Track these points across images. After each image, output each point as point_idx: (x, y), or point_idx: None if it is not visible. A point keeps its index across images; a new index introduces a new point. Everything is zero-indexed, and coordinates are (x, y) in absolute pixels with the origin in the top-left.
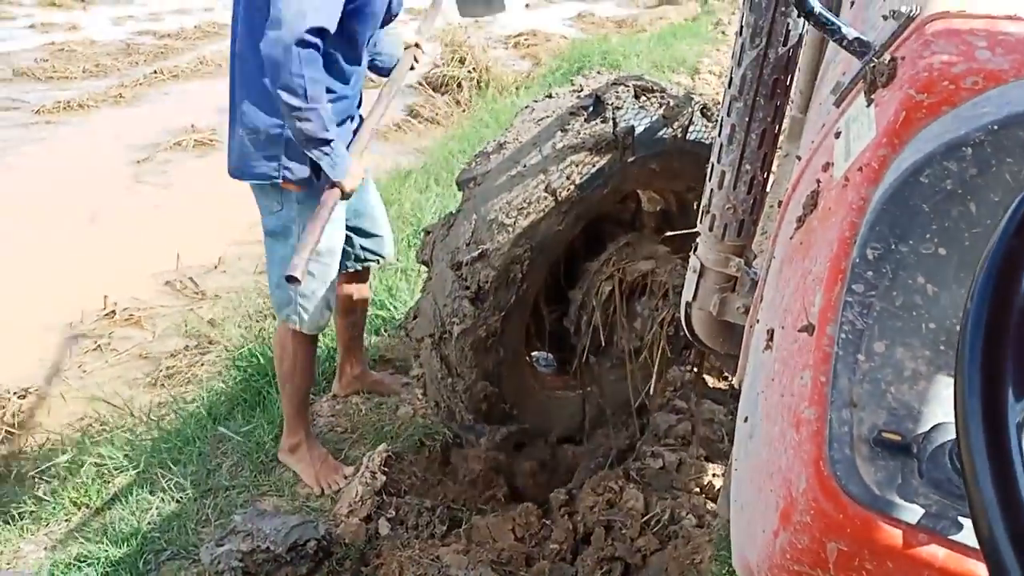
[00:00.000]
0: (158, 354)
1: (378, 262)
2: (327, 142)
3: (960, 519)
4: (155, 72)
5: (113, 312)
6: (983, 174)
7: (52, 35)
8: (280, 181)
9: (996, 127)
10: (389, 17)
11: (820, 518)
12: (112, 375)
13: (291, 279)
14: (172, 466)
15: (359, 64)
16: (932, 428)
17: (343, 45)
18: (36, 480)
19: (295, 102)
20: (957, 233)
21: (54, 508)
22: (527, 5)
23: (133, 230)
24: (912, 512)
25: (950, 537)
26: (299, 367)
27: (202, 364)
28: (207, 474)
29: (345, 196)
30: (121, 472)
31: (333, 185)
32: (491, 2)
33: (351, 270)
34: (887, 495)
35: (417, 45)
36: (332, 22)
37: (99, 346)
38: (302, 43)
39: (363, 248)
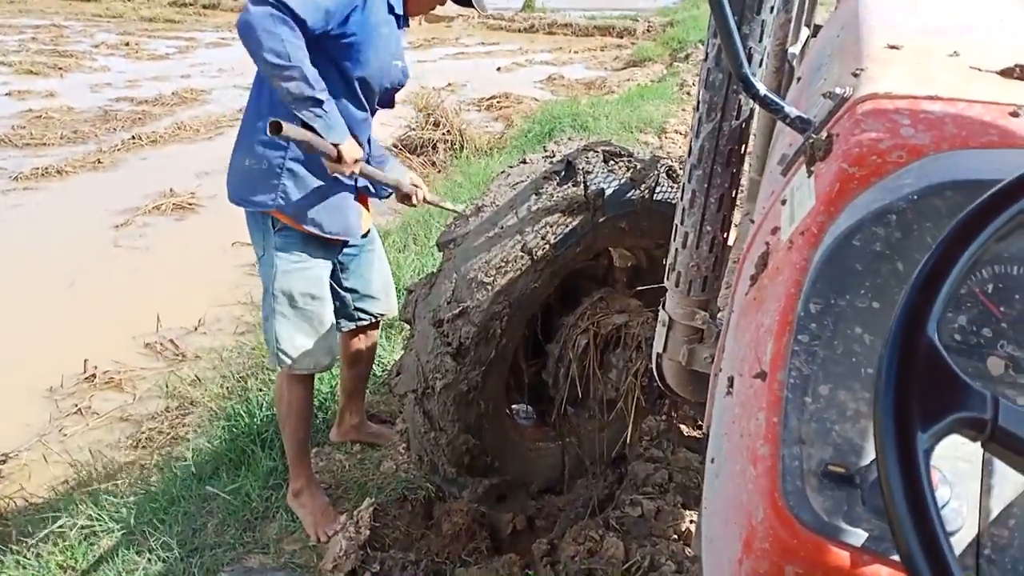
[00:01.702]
0: (139, 416)
1: (371, 321)
2: (318, 102)
3: None
4: (133, 138)
5: (93, 375)
6: (907, 237)
7: (29, 102)
8: (274, 209)
9: (916, 196)
10: (394, 88)
11: (777, 544)
12: (94, 438)
13: (273, 125)
14: (158, 526)
15: (364, 111)
16: (873, 461)
17: (344, 87)
18: (21, 544)
19: (277, 60)
20: (888, 289)
21: (40, 571)
22: (499, 68)
23: (112, 294)
24: (857, 536)
25: (891, 557)
26: (294, 410)
27: (184, 425)
28: (193, 533)
29: (339, 159)
30: (107, 534)
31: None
32: None
33: (345, 329)
34: (835, 521)
35: (418, 187)
36: (309, 15)
37: (80, 409)
38: (273, 5)
39: (357, 308)
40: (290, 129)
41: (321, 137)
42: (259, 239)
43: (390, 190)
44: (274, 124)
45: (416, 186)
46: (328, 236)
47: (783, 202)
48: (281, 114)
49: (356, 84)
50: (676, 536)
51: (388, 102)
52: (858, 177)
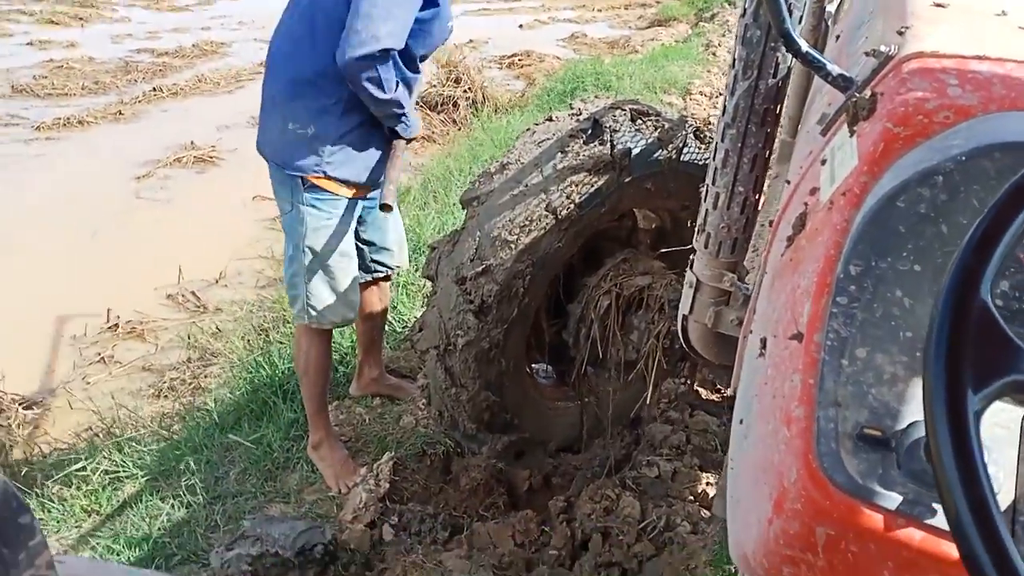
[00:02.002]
0: (161, 366)
1: (387, 274)
2: (403, 114)
3: (934, 505)
4: (154, 89)
5: (116, 325)
6: (953, 200)
7: (50, 52)
8: (320, 176)
9: (964, 158)
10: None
11: (810, 505)
12: (116, 386)
13: (384, 207)
14: (181, 473)
15: (417, 73)
16: (909, 425)
17: (406, 61)
18: (45, 488)
19: (382, 96)
20: (931, 252)
21: (65, 515)
22: (520, 26)
23: (135, 245)
24: (891, 499)
25: (925, 521)
26: (313, 363)
27: (206, 376)
28: (215, 481)
29: (408, 143)
30: (130, 479)
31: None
32: None
33: (361, 281)
34: (869, 484)
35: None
36: (400, 43)
37: (103, 358)
38: (373, 57)
39: (373, 260)
40: (390, 193)
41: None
42: (286, 195)
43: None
44: (384, 206)
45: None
46: (361, 185)
47: (823, 162)
48: (315, 91)
49: (417, 57)
50: (692, 497)
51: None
52: (903, 137)
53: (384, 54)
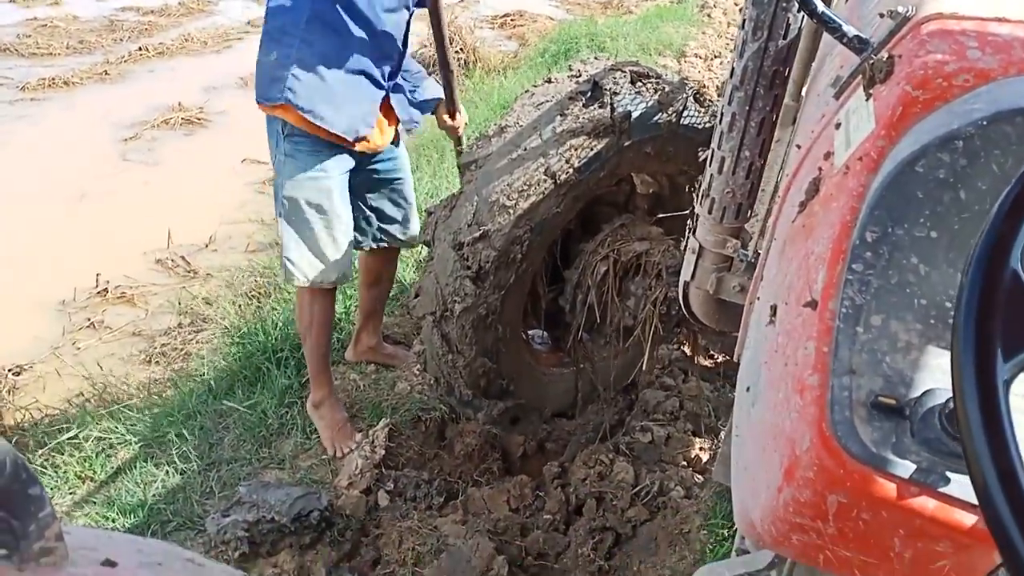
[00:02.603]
0: (152, 332)
1: (391, 244)
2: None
3: (948, 474)
4: (140, 49)
5: (105, 290)
6: (973, 165)
7: (34, 10)
8: (282, 104)
9: (985, 122)
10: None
11: (822, 473)
12: (106, 352)
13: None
14: (175, 440)
15: (398, 46)
16: (923, 393)
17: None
18: (38, 454)
19: None
20: (948, 218)
21: (58, 482)
22: None
23: (122, 208)
24: (905, 468)
25: (939, 489)
26: (315, 323)
27: (196, 341)
28: (210, 448)
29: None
30: (124, 446)
31: None
32: None
33: (366, 248)
34: (883, 452)
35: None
36: None
37: (92, 323)
38: None
39: (379, 229)
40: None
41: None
42: (272, 144)
43: (428, 110)
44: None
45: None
46: (334, 133)
47: (837, 126)
48: (316, 28)
49: (383, 27)
50: (685, 462)
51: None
52: (922, 101)
53: None
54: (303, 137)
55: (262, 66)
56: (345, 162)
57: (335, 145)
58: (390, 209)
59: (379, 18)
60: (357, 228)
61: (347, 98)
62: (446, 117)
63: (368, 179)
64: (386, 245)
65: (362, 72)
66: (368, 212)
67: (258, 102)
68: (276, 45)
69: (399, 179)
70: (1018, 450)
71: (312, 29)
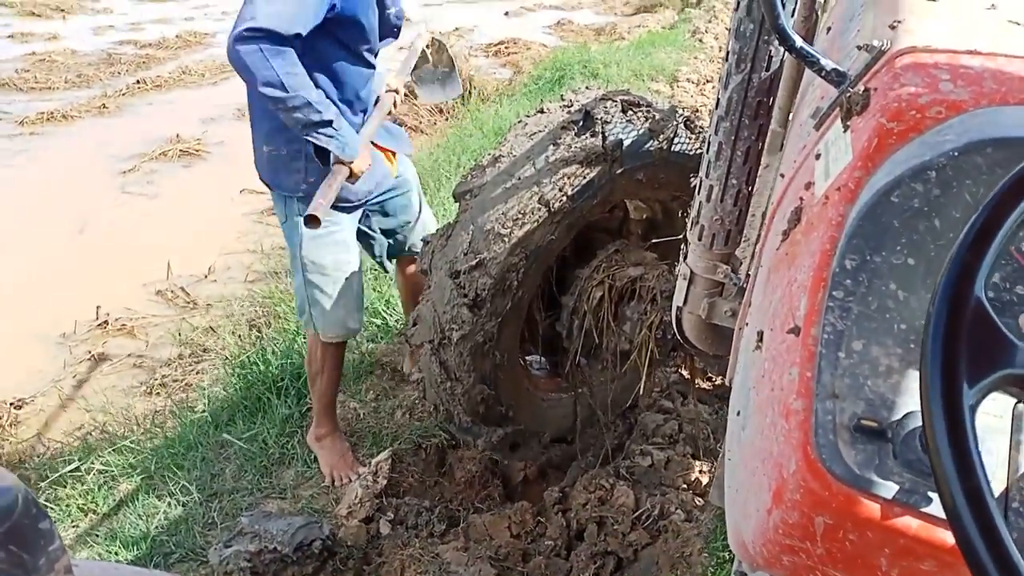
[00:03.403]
0: (153, 363)
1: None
2: (327, 123)
3: (930, 494)
4: (138, 82)
5: (106, 322)
6: (946, 194)
7: (32, 45)
8: (302, 195)
9: (957, 153)
10: (389, 30)
11: (808, 496)
12: (107, 384)
13: (309, 219)
14: (176, 471)
15: (371, 67)
16: (904, 415)
17: (348, 55)
18: (40, 487)
19: (277, 94)
20: (924, 245)
21: (60, 515)
22: (507, 13)
23: (122, 240)
24: (888, 488)
25: (921, 509)
26: (325, 371)
27: (197, 372)
28: (211, 478)
29: (353, 178)
30: (126, 478)
31: (340, 162)
32: (447, 87)
33: (395, 262)
34: (866, 474)
35: (396, 91)
36: (291, 26)
37: (93, 356)
38: (259, 39)
39: (402, 241)
40: (318, 206)
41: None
42: (280, 206)
43: (407, 147)
44: (311, 218)
45: (394, 100)
46: (349, 203)
47: (817, 156)
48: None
49: (360, 48)
50: (685, 485)
51: (392, 36)
52: (897, 132)
53: (263, 36)
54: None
55: (271, 159)
56: (355, 214)
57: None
58: (405, 222)
59: (364, 81)
60: (372, 253)
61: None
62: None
63: (379, 207)
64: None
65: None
66: (384, 236)
67: (271, 186)
68: (284, 141)
69: (408, 194)
70: (985, 473)
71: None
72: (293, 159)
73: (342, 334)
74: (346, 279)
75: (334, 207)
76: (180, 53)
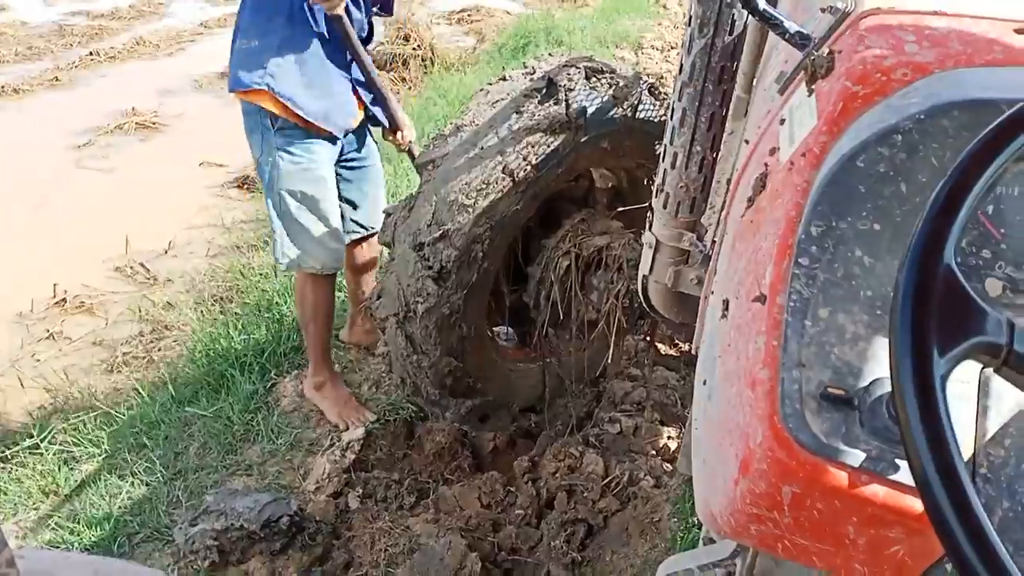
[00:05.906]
0: (113, 341)
1: (367, 233)
2: None
3: (897, 461)
4: (91, 54)
5: (64, 300)
6: (912, 158)
7: None
8: (263, 89)
9: (923, 116)
10: None
11: (775, 465)
12: (67, 363)
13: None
14: (139, 450)
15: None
16: (871, 383)
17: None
18: None
19: None
20: (890, 211)
21: (21, 496)
22: None
23: (79, 216)
24: (855, 457)
25: (889, 477)
26: (318, 311)
27: (159, 349)
28: (175, 457)
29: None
30: (88, 458)
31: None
32: None
33: (345, 240)
34: (833, 443)
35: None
36: None
37: (51, 334)
38: None
39: (352, 220)
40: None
41: None
42: (257, 139)
43: (385, 119)
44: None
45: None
46: (313, 123)
47: (782, 121)
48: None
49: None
50: (654, 452)
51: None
52: (862, 96)
53: None
54: (294, 129)
55: (240, 53)
56: (332, 151)
57: (322, 135)
58: (360, 199)
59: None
60: None
61: (325, 90)
62: (390, 137)
63: (340, 172)
64: (361, 235)
65: (335, 67)
66: (342, 204)
67: (232, 89)
68: (258, 33)
69: (370, 168)
70: (956, 443)
71: (293, 23)
72: (263, 51)
73: (330, 263)
74: (325, 209)
75: (308, 141)
76: (134, 23)
